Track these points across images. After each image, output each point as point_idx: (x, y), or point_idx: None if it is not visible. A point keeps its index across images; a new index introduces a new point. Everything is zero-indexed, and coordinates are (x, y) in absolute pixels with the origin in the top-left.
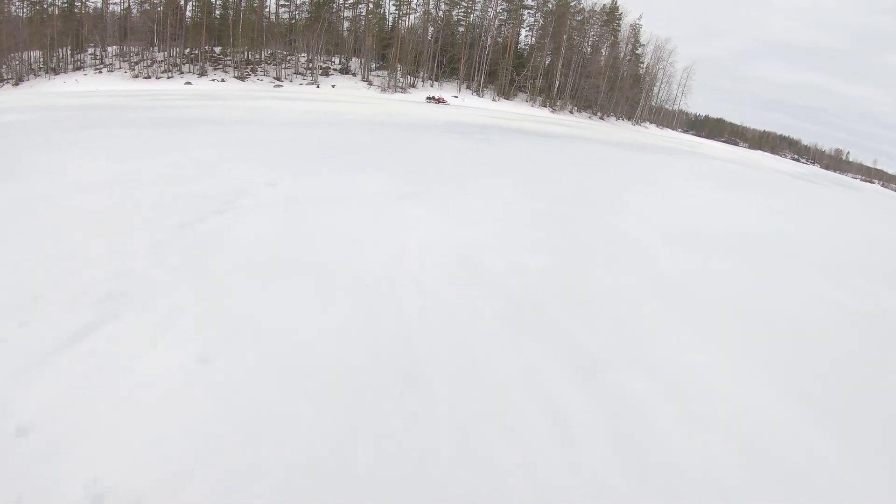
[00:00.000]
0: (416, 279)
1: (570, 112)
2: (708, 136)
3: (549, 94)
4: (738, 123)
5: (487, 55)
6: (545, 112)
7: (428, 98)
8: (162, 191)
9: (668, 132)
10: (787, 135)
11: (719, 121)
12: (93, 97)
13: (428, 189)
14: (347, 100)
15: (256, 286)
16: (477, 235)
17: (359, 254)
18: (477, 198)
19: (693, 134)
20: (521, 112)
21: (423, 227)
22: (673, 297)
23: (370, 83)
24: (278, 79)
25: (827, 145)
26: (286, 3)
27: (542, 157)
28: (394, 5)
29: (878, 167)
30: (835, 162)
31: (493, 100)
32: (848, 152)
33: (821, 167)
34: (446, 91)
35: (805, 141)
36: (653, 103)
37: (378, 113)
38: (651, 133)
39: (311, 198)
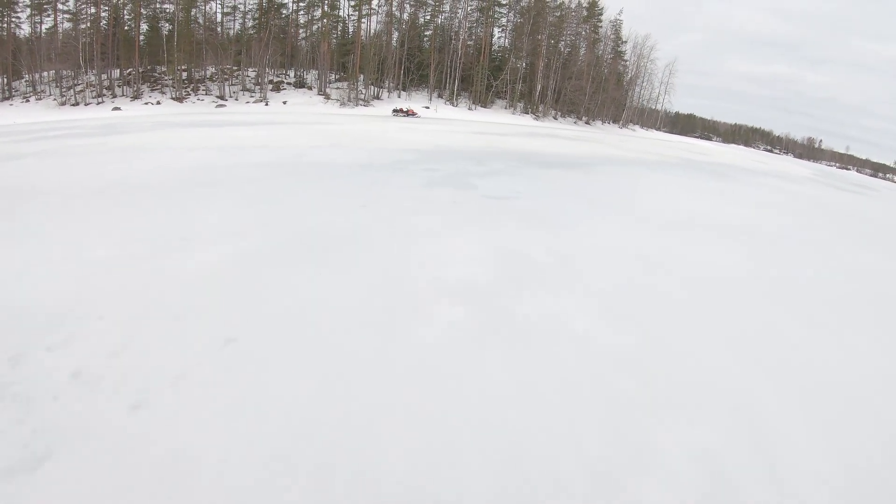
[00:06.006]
0: None
1: (554, 118)
2: (681, 133)
3: (530, 99)
4: (709, 118)
5: (460, 59)
6: (528, 120)
7: (394, 111)
8: None
9: (655, 133)
10: (758, 126)
11: (690, 116)
12: None
13: None
14: (295, 120)
15: None
16: None
17: None
18: None
19: (666, 131)
20: (504, 122)
21: None
22: None
23: (328, 97)
24: (222, 97)
25: (798, 134)
26: (230, 12)
27: (637, 248)
28: (352, 6)
29: (850, 153)
30: (808, 150)
31: (469, 108)
32: (821, 140)
33: (794, 156)
34: (416, 101)
35: (777, 131)
36: (635, 103)
37: (318, 143)
38: (645, 136)
39: None
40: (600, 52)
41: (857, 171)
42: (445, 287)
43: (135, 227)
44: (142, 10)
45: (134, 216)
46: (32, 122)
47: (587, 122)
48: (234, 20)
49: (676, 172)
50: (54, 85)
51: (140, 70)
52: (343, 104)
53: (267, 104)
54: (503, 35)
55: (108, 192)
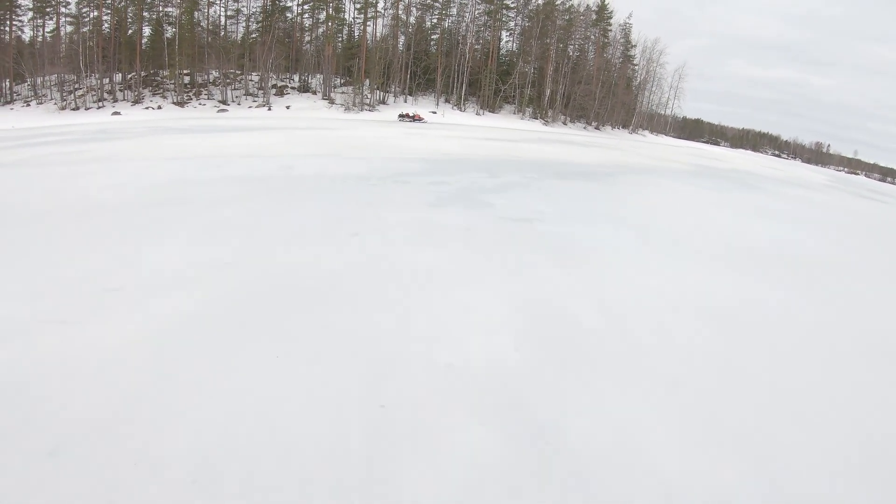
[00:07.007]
0: None
1: (564, 123)
2: (689, 138)
3: (539, 104)
4: (717, 123)
5: (467, 64)
6: (537, 125)
7: (400, 116)
8: None
9: (665, 139)
10: (765, 131)
11: (698, 121)
12: None
13: None
14: (295, 126)
15: None
16: None
17: None
18: None
19: (674, 136)
20: (513, 127)
21: None
22: None
23: (332, 101)
24: (224, 102)
25: (805, 138)
26: (233, 15)
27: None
28: (357, 10)
29: (859, 157)
30: (816, 155)
31: (477, 114)
32: (829, 145)
33: (802, 161)
34: (422, 106)
35: (784, 136)
36: (644, 108)
37: (314, 151)
38: (655, 142)
39: None
40: (610, 56)
41: (866, 175)
42: (458, 382)
43: (59, 269)
44: (144, 14)
45: (67, 251)
46: (30, 126)
47: (597, 128)
48: (238, 23)
49: (702, 183)
50: (56, 89)
51: (142, 74)
52: (348, 109)
53: (270, 109)
54: (511, 39)
55: (56, 215)
